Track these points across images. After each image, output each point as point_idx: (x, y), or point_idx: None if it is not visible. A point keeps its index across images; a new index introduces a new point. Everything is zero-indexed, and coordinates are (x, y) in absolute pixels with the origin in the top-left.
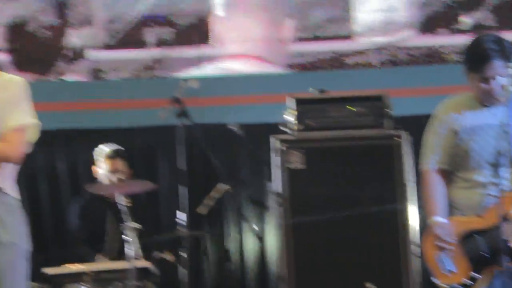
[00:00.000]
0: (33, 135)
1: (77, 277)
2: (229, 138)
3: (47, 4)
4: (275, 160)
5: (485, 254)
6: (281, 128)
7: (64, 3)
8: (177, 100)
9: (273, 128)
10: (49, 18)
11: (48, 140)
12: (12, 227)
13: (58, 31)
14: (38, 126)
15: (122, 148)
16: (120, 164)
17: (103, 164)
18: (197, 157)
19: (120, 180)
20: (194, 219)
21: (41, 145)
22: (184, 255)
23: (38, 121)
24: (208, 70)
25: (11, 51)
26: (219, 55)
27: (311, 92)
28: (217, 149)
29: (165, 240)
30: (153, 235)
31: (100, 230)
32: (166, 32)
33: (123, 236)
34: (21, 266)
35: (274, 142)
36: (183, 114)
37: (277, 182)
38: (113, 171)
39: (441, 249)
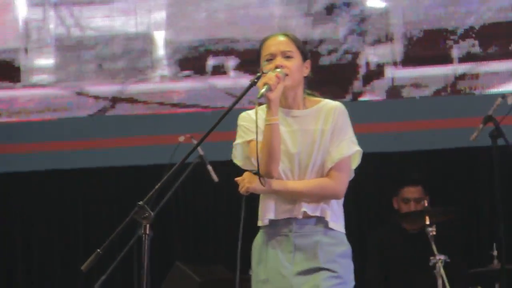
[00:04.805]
0: (355, 162)
1: None
2: None
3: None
4: None
5: None
6: None
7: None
8: (490, 119)
9: None
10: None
11: None
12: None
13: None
14: (360, 153)
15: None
16: (415, 191)
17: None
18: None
19: (423, 207)
20: None
21: None
22: None
23: (360, 148)
24: None
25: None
26: None
27: None
28: None
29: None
30: (463, 268)
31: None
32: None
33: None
34: None
35: None
36: (498, 134)
37: None
38: (408, 199)
39: None
